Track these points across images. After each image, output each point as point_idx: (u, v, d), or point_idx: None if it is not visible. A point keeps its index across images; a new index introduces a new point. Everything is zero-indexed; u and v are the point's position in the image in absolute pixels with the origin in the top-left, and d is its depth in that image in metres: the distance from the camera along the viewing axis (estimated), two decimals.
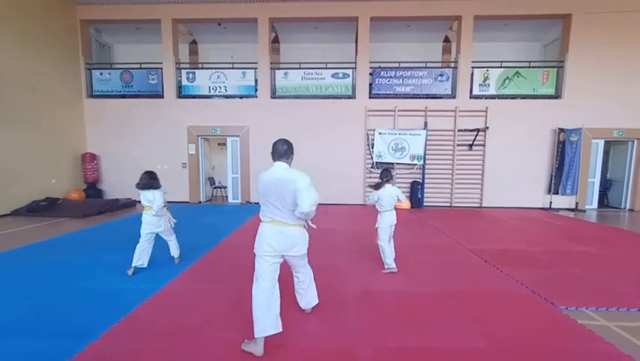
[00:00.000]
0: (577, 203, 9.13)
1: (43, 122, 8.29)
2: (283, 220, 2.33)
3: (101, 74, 9.71)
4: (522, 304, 3.06)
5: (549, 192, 9.19)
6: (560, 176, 9.06)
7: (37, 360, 2.14)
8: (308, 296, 2.76)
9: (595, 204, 9.54)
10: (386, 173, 3.96)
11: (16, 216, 7.22)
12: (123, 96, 9.73)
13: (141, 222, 3.82)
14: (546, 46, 10.25)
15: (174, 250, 4.14)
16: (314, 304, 2.80)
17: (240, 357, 2.18)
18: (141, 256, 3.75)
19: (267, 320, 2.22)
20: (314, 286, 2.79)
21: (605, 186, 10.05)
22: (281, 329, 2.27)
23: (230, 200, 10.13)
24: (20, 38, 7.67)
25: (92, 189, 9.48)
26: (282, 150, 2.41)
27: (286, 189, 2.27)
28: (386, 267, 3.87)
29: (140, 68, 9.70)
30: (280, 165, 2.39)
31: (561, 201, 9.21)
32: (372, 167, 9.26)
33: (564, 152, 8.94)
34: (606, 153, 9.83)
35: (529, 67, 9.23)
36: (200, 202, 9.85)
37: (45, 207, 7.50)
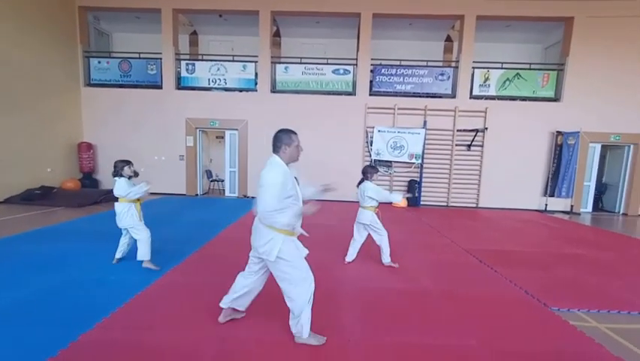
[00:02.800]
0: (572, 206, 9.20)
1: (39, 110, 8.19)
2: None
3: (99, 62, 9.60)
4: (515, 304, 3.08)
5: (545, 194, 9.26)
6: (556, 178, 9.11)
7: (29, 349, 2.12)
8: None
9: (590, 208, 9.63)
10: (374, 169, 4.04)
11: (10, 205, 7.15)
12: (121, 86, 9.63)
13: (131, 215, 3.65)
14: (547, 48, 10.25)
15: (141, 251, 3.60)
16: None
17: (232, 349, 2.19)
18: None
19: None
20: None
21: (600, 189, 10.13)
22: None
23: (227, 194, 10.10)
24: (16, 23, 7.53)
25: (88, 178, 9.41)
26: None
27: None
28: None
29: (139, 58, 9.59)
30: None
31: (556, 204, 9.27)
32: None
33: (561, 155, 8.98)
34: (602, 157, 9.89)
35: (529, 69, 9.24)
36: (196, 195, 9.81)
37: (40, 196, 7.44)
